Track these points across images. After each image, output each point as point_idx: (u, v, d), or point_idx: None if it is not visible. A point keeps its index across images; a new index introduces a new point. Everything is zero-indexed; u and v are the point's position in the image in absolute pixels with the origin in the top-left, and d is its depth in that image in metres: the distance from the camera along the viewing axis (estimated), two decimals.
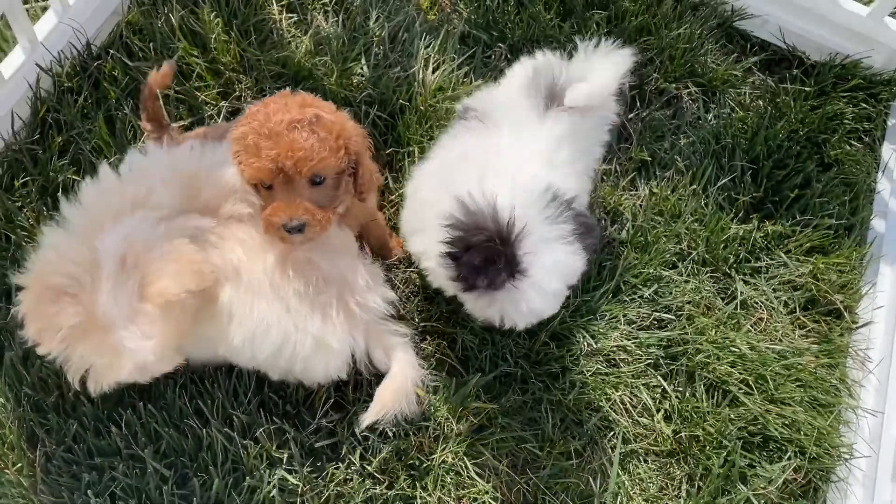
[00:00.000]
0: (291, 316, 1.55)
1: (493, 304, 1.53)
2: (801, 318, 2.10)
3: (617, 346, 1.96)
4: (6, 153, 1.88)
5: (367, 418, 1.64)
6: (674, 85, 2.37)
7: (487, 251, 1.43)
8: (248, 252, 1.54)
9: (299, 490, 1.67)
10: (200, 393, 1.71)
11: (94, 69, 2.00)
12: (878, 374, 2.00)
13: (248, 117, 1.50)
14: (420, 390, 1.80)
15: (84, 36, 1.97)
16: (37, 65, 1.88)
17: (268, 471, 1.67)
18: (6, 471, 1.61)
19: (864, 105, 2.38)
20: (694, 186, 2.19)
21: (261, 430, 1.68)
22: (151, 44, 2.05)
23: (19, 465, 1.62)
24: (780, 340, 2.04)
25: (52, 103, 1.94)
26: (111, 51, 2.02)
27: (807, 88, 2.37)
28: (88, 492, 1.58)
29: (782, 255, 2.14)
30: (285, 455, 1.69)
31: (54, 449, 1.62)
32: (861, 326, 2.10)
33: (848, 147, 2.33)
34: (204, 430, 1.65)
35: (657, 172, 2.22)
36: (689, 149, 2.25)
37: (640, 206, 2.15)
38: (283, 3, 2.25)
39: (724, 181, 2.18)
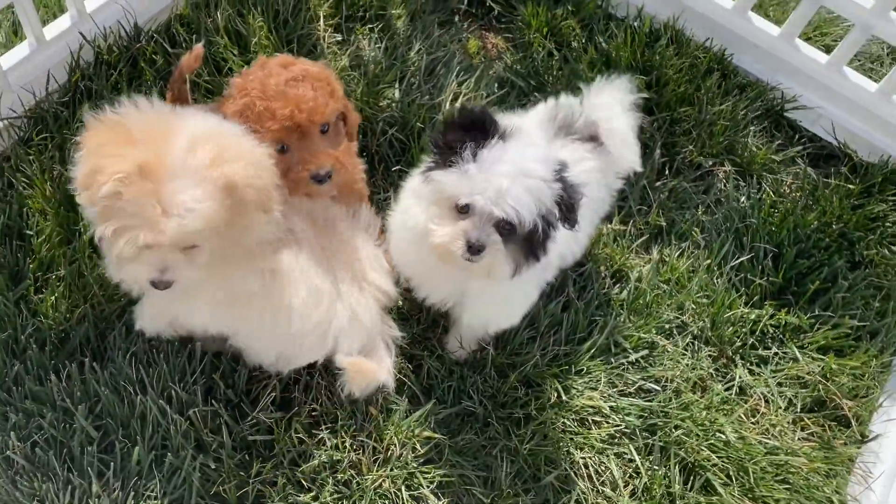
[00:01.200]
0: (337, 286, 1.60)
1: (466, 182, 1.41)
2: (804, 418, 1.94)
3: (591, 406, 1.84)
4: (36, 108, 1.99)
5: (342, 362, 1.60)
6: (710, 161, 2.31)
7: (474, 117, 1.44)
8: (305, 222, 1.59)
9: (220, 480, 1.60)
10: (150, 363, 1.69)
11: (136, 50, 2.11)
12: (879, 490, 1.80)
13: (241, 89, 1.53)
14: (374, 409, 1.74)
15: (133, 18, 2.09)
16: (80, 34, 2.00)
17: (194, 453, 1.61)
18: None
19: None
20: (708, 261, 2.09)
21: (195, 409, 1.64)
22: (195, 36, 2.16)
23: None
24: (775, 436, 1.87)
25: (89, 72, 2.05)
26: (156, 36, 2.13)
27: (851, 186, 2.26)
28: (12, 433, 1.57)
29: (794, 348, 2.00)
30: (216, 442, 1.63)
31: None
32: (870, 440, 1.91)
33: (886, 251, 2.18)
34: (139, 397, 1.62)
35: (672, 241, 2.14)
36: (710, 224, 2.16)
37: (647, 270, 2.05)
38: (331, 22, 2.34)
39: (741, 259, 2.08)
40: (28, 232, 1.78)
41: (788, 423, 1.93)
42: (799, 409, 1.94)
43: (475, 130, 1.43)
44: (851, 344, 2.01)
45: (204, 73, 2.10)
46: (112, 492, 1.57)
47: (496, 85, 2.35)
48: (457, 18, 2.54)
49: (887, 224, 2.21)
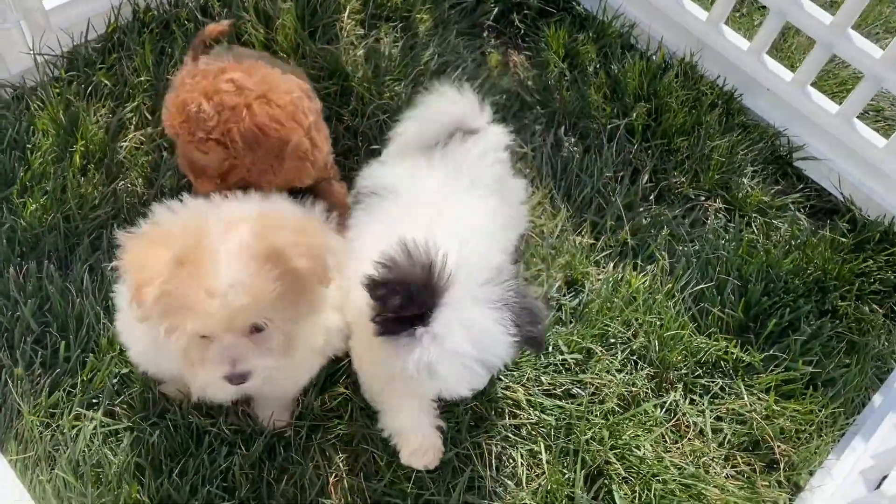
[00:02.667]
0: None
1: (399, 354, 1.36)
2: (737, 455, 1.86)
3: (512, 399, 1.85)
4: (72, 51, 2.23)
5: None
6: (703, 196, 2.30)
7: (405, 290, 1.33)
8: None
9: (133, 389, 1.72)
10: (100, 279, 1.84)
11: (171, 14, 2.34)
12: None
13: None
14: None
15: None
16: None
17: (116, 359, 1.74)
18: None
19: None
20: (669, 286, 2.07)
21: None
22: (226, 10, 2.37)
23: None
24: (697, 466, 1.80)
25: (124, 27, 2.29)
26: (190, 4, 2.36)
27: (844, 240, 2.19)
28: None
29: (741, 384, 1.94)
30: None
31: None
32: (802, 491, 1.81)
33: (866, 307, 2.09)
34: (80, 299, 1.77)
35: (639, 263, 2.13)
36: (682, 252, 2.14)
37: (603, 281, 2.05)
38: (357, 17, 2.51)
39: (700, 287, 2.05)
40: (28, 146, 2.00)
41: (720, 458, 1.86)
42: (734, 447, 1.87)
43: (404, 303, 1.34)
44: (801, 389, 1.93)
45: (224, 41, 2.30)
46: (35, 378, 1.72)
47: (501, 95, 2.44)
48: (485, 34, 2.66)
49: (871, 281, 2.12)
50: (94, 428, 1.69)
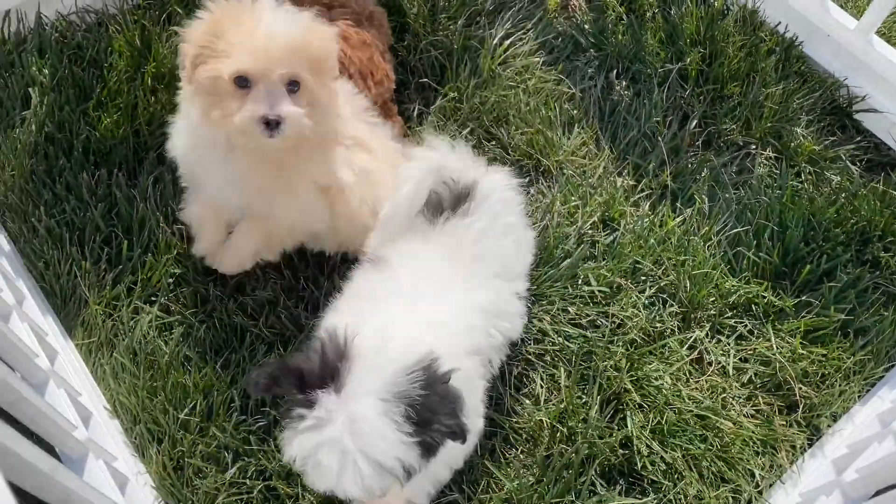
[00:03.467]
0: None
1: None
2: (759, 395, 1.88)
3: (539, 329, 1.92)
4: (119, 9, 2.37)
5: None
6: (753, 144, 2.28)
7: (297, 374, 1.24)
8: None
9: (187, 288, 1.88)
10: (162, 189, 2.00)
11: None
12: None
13: None
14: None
15: None
16: None
17: (172, 259, 1.90)
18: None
19: None
20: (706, 228, 2.08)
21: (181, 225, 1.92)
22: None
23: (21, 172, 2.01)
24: (714, 400, 1.84)
25: None
26: None
27: (894, 193, 2.14)
28: (42, 208, 1.94)
29: (770, 328, 1.95)
30: (190, 262, 1.91)
31: (41, 168, 2.01)
32: (820, 437, 1.82)
33: None
34: (142, 205, 1.94)
35: (678, 205, 2.15)
36: (722, 196, 2.15)
37: (638, 219, 2.09)
38: None
39: (736, 230, 2.05)
40: (105, 65, 2.17)
41: (741, 397, 1.89)
42: (756, 387, 1.90)
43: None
44: (830, 336, 1.92)
45: None
46: (100, 273, 1.90)
47: (556, 37, 2.46)
48: None
49: None
50: (150, 320, 1.86)
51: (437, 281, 1.52)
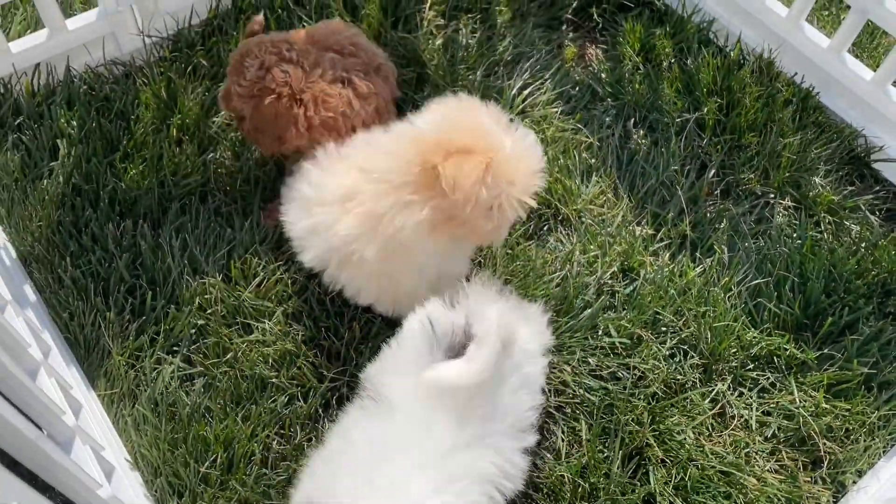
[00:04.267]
0: None
1: None
2: (782, 450, 1.87)
3: (558, 379, 1.92)
4: (177, 34, 2.44)
5: None
6: (771, 194, 2.29)
7: None
8: None
9: (210, 336, 1.90)
10: (186, 239, 2.03)
11: (266, 1, 2.52)
12: None
13: None
14: (357, 325, 1.94)
15: None
16: None
17: (195, 312, 1.92)
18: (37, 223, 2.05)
19: None
20: (726, 279, 2.08)
21: (205, 278, 1.95)
22: (315, 0, 2.53)
23: (48, 222, 2.05)
24: (739, 457, 1.82)
25: (223, 13, 2.48)
26: None
27: None
28: (68, 258, 1.97)
29: (793, 381, 1.93)
30: (211, 309, 1.93)
31: (68, 219, 2.04)
32: (846, 493, 1.80)
33: None
34: (169, 260, 1.97)
35: (697, 256, 2.15)
36: (742, 246, 2.15)
37: (657, 270, 2.09)
38: (439, 8, 2.63)
39: (757, 281, 2.05)
40: (132, 117, 2.22)
41: (765, 451, 1.87)
42: (780, 441, 1.88)
43: None
44: (854, 390, 1.91)
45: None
46: (124, 324, 1.92)
47: (574, 86, 2.50)
48: (564, 27, 2.72)
49: None
50: (172, 371, 1.87)
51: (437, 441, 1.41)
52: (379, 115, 2.00)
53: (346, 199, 1.67)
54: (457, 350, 1.46)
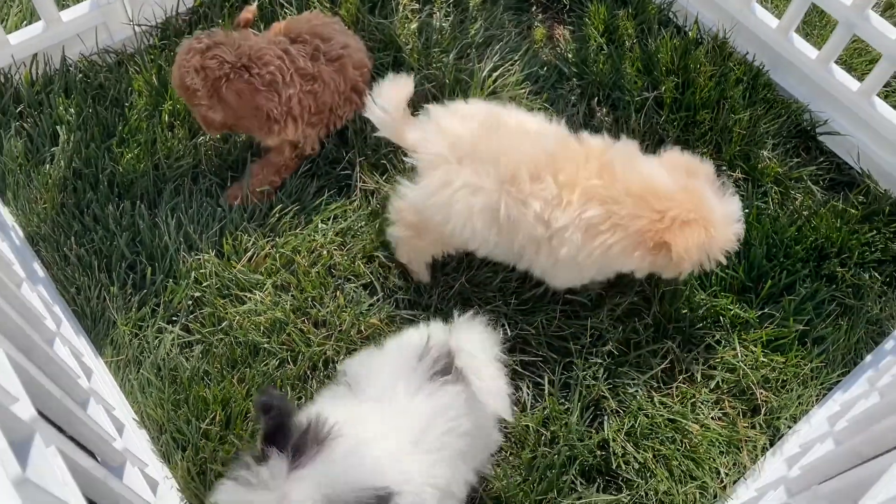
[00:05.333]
0: None
1: None
2: (725, 399, 2.08)
3: (523, 339, 2.12)
4: (164, 23, 2.58)
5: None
6: (724, 167, 2.47)
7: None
8: None
9: (204, 309, 2.08)
10: (180, 217, 2.20)
11: None
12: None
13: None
14: (341, 295, 2.13)
15: None
16: None
17: (191, 284, 2.10)
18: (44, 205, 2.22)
19: None
20: None
21: (200, 254, 2.13)
22: None
23: (52, 204, 2.21)
24: (684, 405, 2.04)
25: (209, 2, 2.62)
26: None
27: (853, 211, 2.34)
28: (72, 238, 2.15)
29: (736, 338, 2.14)
30: (207, 282, 2.11)
31: (71, 201, 2.21)
32: (780, 437, 2.02)
33: (867, 274, 2.24)
34: (166, 237, 2.14)
35: None
36: None
37: None
38: None
39: None
40: (126, 104, 2.37)
41: (710, 401, 2.08)
42: (724, 392, 2.09)
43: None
44: (789, 345, 2.12)
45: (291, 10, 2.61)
46: (127, 297, 2.10)
47: (542, 67, 2.66)
48: (533, 8, 2.87)
49: (873, 250, 2.26)
50: (173, 339, 2.06)
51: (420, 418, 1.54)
52: (315, 98, 2.20)
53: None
54: (436, 372, 1.58)
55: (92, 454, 1.49)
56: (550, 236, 1.86)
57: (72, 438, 1.33)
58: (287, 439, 1.31)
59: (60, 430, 1.31)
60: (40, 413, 1.10)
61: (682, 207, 1.80)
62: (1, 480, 0.81)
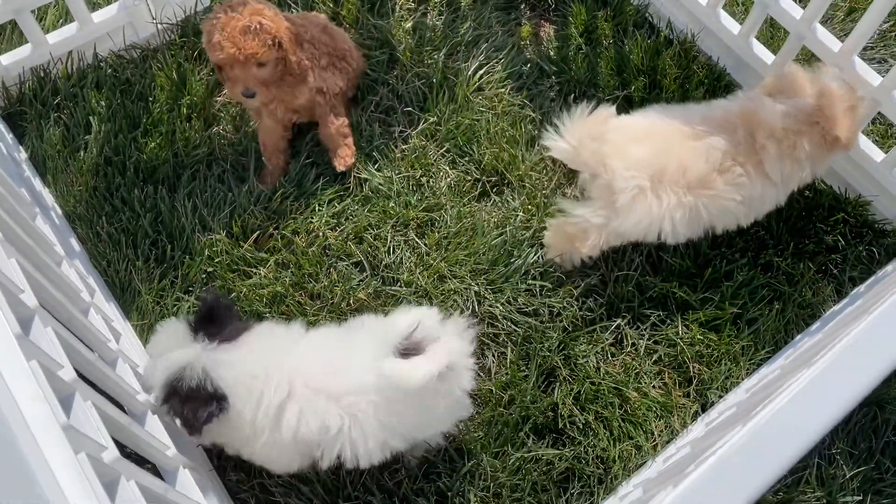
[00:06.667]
0: None
1: None
2: (665, 371, 2.37)
3: (490, 314, 2.41)
4: (184, 21, 2.86)
5: None
6: None
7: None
8: None
9: (217, 283, 2.40)
10: (197, 200, 2.51)
11: None
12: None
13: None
14: (335, 272, 2.44)
15: None
16: None
17: (205, 259, 2.42)
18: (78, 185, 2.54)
19: (843, 240, 2.53)
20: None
21: (212, 235, 2.45)
22: None
23: (86, 188, 2.53)
24: (628, 374, 2.33)
25: (202, 10, 2.89)
26: None
27: (795, 205, 2.58)
28: (104, 218, 2.47)
29: (678, 318, 2.42)
30: (217, 257, 2.43)
31: (102, 185, 2.53)
32: (710, 407, 2.31)
33: (801, 263, 2.50)
34: (185, 219, 2.46)
35: None
36: None
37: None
38: None
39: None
40: (149, 98, 2.67)
41: (652, 372, 2.37)
42: (665, 364, 2.38)
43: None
44: (723, 325, 2.40)
45: (297, 8, 2.87)
46: (150, 269, 2.43)
47: (525, 64, 2.90)
48: (522, 6, 3.10)
49: (809, 243, 2.52)
50: (189, 307, 2.39)
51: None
52: (294, 81, 2.40)
53: None
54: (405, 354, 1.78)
55: (120, 405, 1.83)
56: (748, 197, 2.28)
57: (104, 393, 1.66)
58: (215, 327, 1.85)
59: (94, 386, 1.64)
60: (79, 373, 1.43)
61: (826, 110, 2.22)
62: (52, 426, 1.13)
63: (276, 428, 1.83)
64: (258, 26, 2.16)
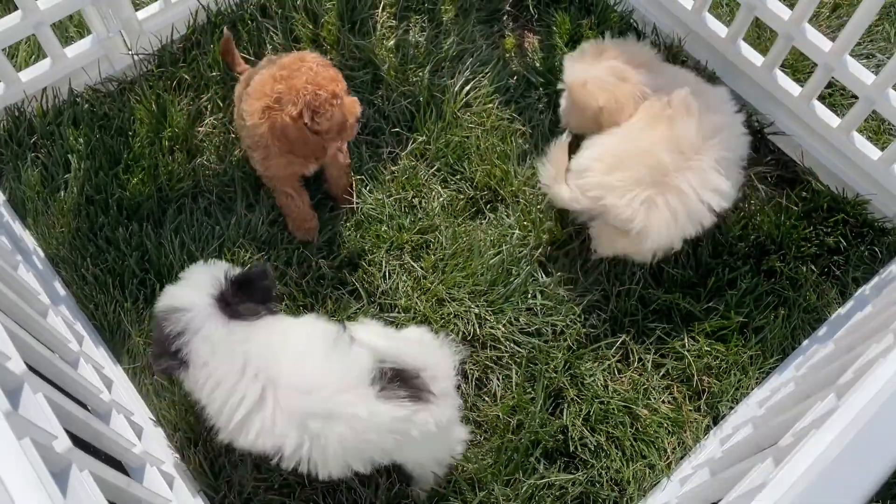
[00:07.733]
0: None
1: None
2: (674, 385, 2.31)
3: (493, 336, 2.34)
4: (161, 50, 2.77)
5: None
6: None
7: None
8: None
9: None
10: (183, 235, 2.43)
11: (238, 15, 2.84)
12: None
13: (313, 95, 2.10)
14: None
15: None
16: (198, 1, 2.76)
17: None
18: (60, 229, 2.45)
19: (844, 241, 2.48)
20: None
21: None
22: (280, 10, 2.85)
23: (68, 229, 2.44)
24: (638, 392, 2.27)
25: (200, 29, 2.80)
26: (251, 9, 2.84)
27: (794, 207, 2.53)
28: (88, 259, 2.38)
29: (684, 329, 2.36)
30: None
31: (85, 226, 2.44)
32: (722, 419, 2.25)
33: (804, 267, 2.45)
34: (171, 255, 2.37)
35: None
36: None
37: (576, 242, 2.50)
38: (391, 10, 2.94)
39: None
40: (129, 132, 2.58)
41: (660, 387, 2.31)
42: (673, 379, 2.32)
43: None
44: (730, 335, 2.34)
45: (276, 40, 2.79)
46: (139, 310, 2.34)
47: (512, 77, 2.84)
48: (504, 18, 3.04)
49: (811, 245, 2.47)
50: None
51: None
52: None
53: None
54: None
55: (119, 464, 1.75)
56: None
57: (96, 451, 1.58)
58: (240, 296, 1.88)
59: (87, 447, 1.56)
60: (69, 433, 1.35)
61: None
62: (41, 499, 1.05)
63: (237, 432, 1.83)
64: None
